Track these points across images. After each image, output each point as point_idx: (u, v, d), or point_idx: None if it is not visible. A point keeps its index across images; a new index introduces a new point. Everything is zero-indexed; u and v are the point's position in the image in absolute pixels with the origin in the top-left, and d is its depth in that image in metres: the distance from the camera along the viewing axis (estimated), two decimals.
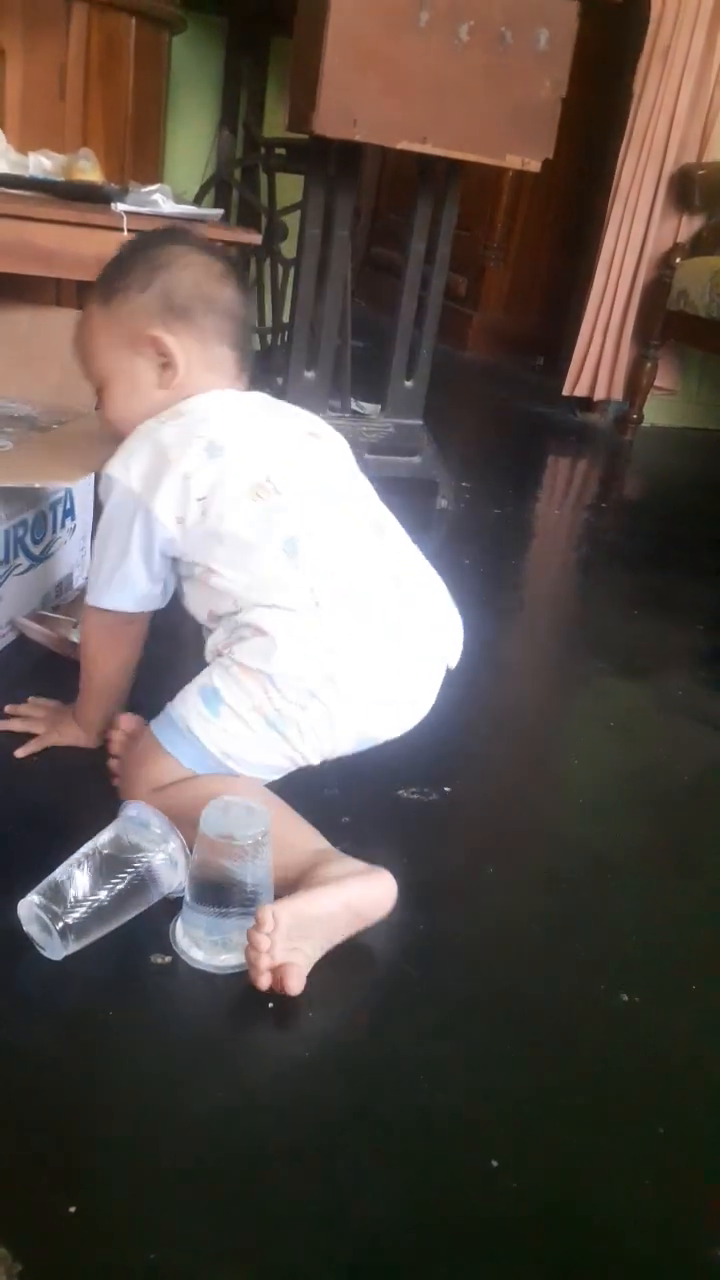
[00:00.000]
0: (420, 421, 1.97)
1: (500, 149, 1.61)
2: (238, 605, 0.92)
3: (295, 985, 0.78)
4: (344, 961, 0.83)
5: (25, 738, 1.05)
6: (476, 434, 2.89)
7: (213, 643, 0.96)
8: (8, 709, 1.09)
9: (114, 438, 1.02)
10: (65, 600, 1.30)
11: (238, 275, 1.05)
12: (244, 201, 2.29)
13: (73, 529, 1.37)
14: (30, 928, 0.79)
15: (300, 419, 1.06)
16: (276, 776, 0.95)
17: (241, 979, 0.80)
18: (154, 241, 1.03)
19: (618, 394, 3.06)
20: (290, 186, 2.22)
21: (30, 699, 1.11)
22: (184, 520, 0.93)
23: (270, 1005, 0.78)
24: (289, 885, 0.84)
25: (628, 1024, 0.84)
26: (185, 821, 0.85)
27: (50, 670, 1.22)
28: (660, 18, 2.68)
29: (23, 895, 0.80)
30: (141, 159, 1.92)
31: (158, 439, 0.95)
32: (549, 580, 1.94)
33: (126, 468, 0.95)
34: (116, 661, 1.03)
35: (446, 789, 1.09)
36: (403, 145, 1.55)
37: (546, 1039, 0.82)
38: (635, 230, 2.93)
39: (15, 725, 1.06)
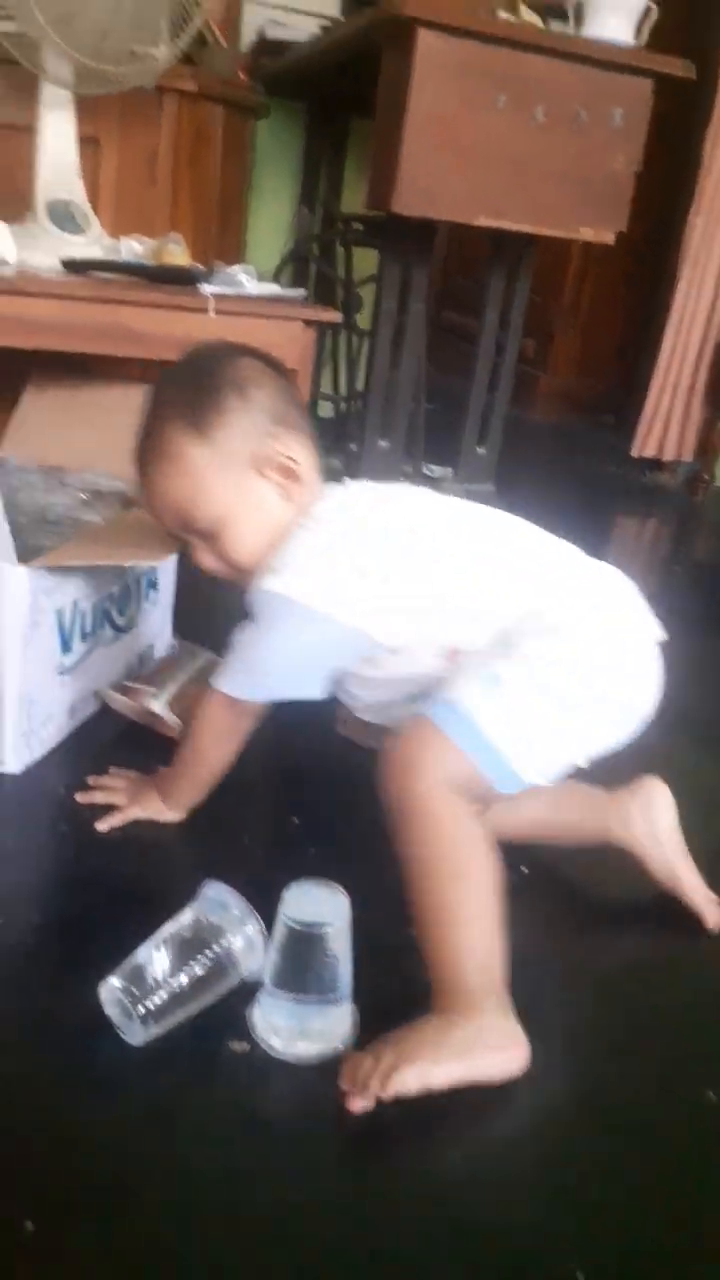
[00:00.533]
0: (492, 487, 1.98)
1: (574, 223, 1.63)
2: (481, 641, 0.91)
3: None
4: None
5: (107, 809, 1.07)
6: (545, 496, 2.86)
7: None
8: (90, 780, 1.11)
9: (234, 579, 0.99)
10: (148, 670, 1.32)
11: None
12: (321, 275, 2.35)
13: (156, 600, 1.40)
14: (111, 1011, 0.80)
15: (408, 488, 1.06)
16: (543, 781, 0.88)
17: (319, 1070, 0.79)
18: (214, 361, 0.99)
19: (688, 454, 3.04)
20: (366, 259, 2.28)
21: (111, 770, 1.13)
22: (386, 616, 0.92)
23: None
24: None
25: (715, 1123, 0.81)
26: (411, 845, 0.83)
27: (132, 740, 1.24)
28: None
29: (102, 973, 0.81)
30: (226, 237, 1.99)
31: (329, 548, 0.92)
32: None
33: (304, 583, 0.91)
34: (228, 749, 1.01)
35: (523, 869, 1.08)
36: (480, 221, 1.59)
37: (629, 1140, 0.79)
38: (705, 292, 2.93)
39: (98, 797, 1.08)
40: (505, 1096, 0.79)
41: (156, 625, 1.44)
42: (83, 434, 1.54)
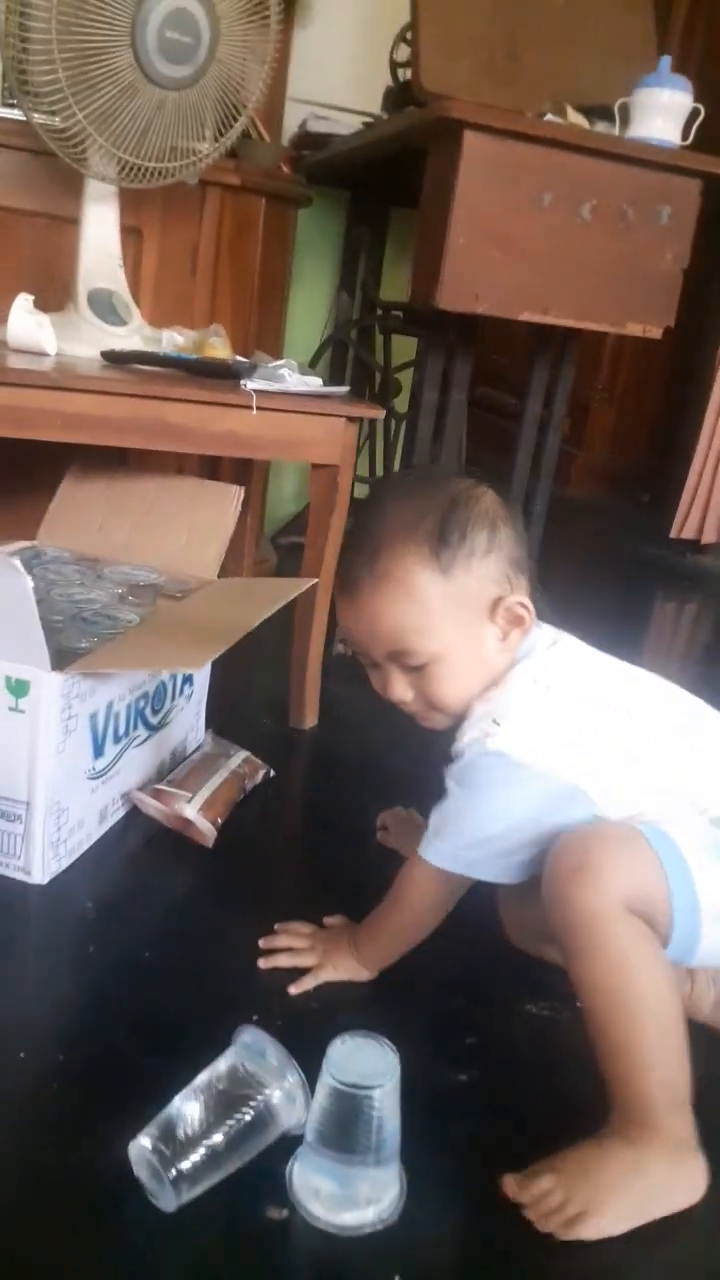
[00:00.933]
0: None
1: (621, 318, 1.62)
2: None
3: None
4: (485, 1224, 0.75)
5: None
6: (583, 576, 2.85)
7: None
8: (266, 941, 1.03)
9: (424, 716, 0.96)
10: (180, 773, 1.28)
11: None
12: (358, 360, 2.35)
13: (190, 695, 1.36)
14: (141, 1172, 0.74)
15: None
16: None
17: (366, 1243, 0.73)
18: (458, 488, 0.92)
19: None
20: (404, 345, 2.28)
21: (289, 926, 1.05)
22: (601, 779, 0.88)
23: None
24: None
25: None
26: (582, 958, 0.81)
27: (163, 847, 1.20)
28: None
29: (130, 1122, 0.75)
30: (265, 325, 1.99)
31: (546, 706, 0.89)
32: None
33: (525, 742, 0.86)
34: (436, 916, 0.96)
35: (579, 1004, 1.01)
36: (524, 317, 1.57)
37: None
38: None
39: (283, 961, 1.00)
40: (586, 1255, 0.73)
41: (189, 721, 1.40)
42: (119, 525, 1.53)
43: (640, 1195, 0.75)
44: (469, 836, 0.88)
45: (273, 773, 1.37)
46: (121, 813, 1.23)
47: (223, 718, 1.45)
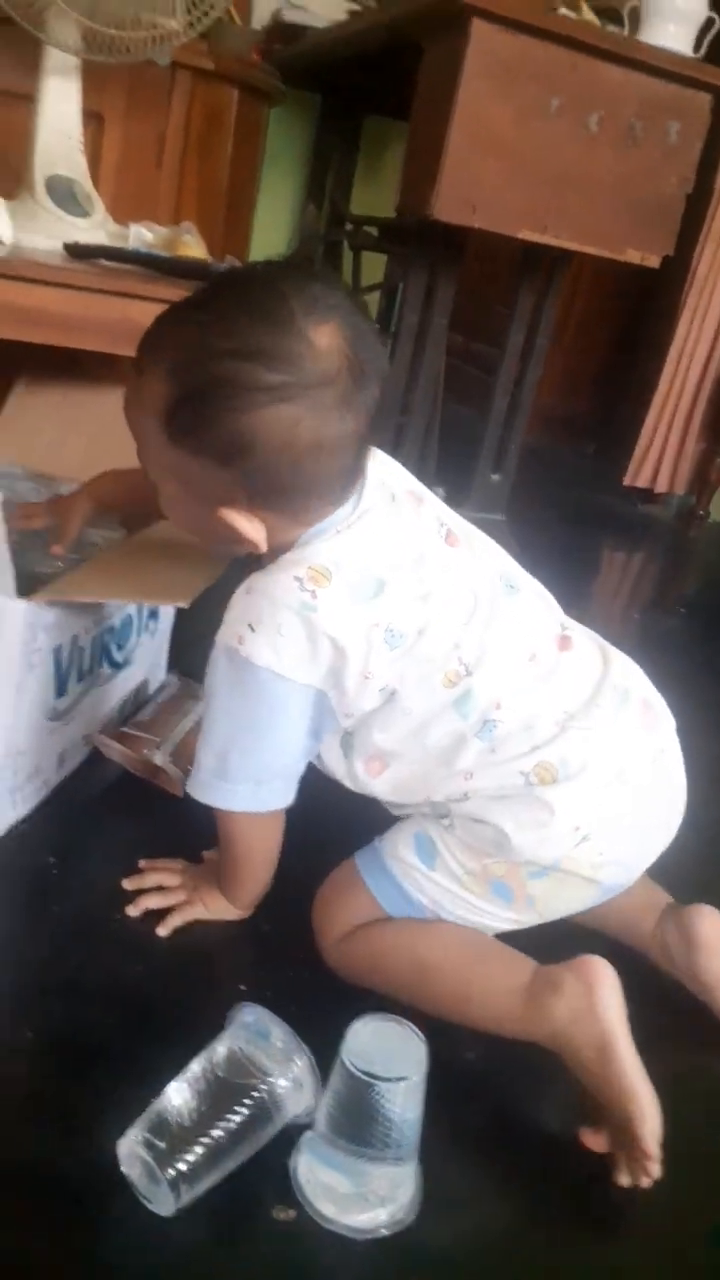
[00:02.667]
0: (503, 517, 1.86)
1: (620, 243, 1.52)
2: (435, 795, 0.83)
3: None
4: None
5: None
6: (538, 525, 2.78)
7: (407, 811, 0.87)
8: (129, 883, 0.93)
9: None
10: (147, 715, 1.17)
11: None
12: None
13: (155, 630, 1.24)
14: (131, 1171, 0.65)
15: (430, 512, 0.85)
16: (495, 931, 0.85)
17: (380, 1245, 0.65)
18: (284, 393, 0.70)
19: (681, 487, 2.96)
20: (371, 265, 2.15)
21: (156, 863, 0.96)
22: (352, 714, 0.80)
23: None
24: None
25: None
26: (378, 971, 0.83)
27: (127, 793, 1.09)
28: None
29: (112, 1110, 0.67)
30: (233, 232, 1.84)
31: (308, 619, 0.75)
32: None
33: (276, 652, 0.76)
34: (271, 846, 0.89)
35: None
36: (523, 234, 1.46)
37: None
38: (709, 323, 2.85)
39: (153, 901, 0.91)
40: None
41: (152, 658, 1.28)
42: (75, 441, 1.39)
43: (628, 1052, 0.73)
44: (248, 766, 0.81)
45: None
46: (81, 758, 1.12)
47: (183, 657, 1.34)
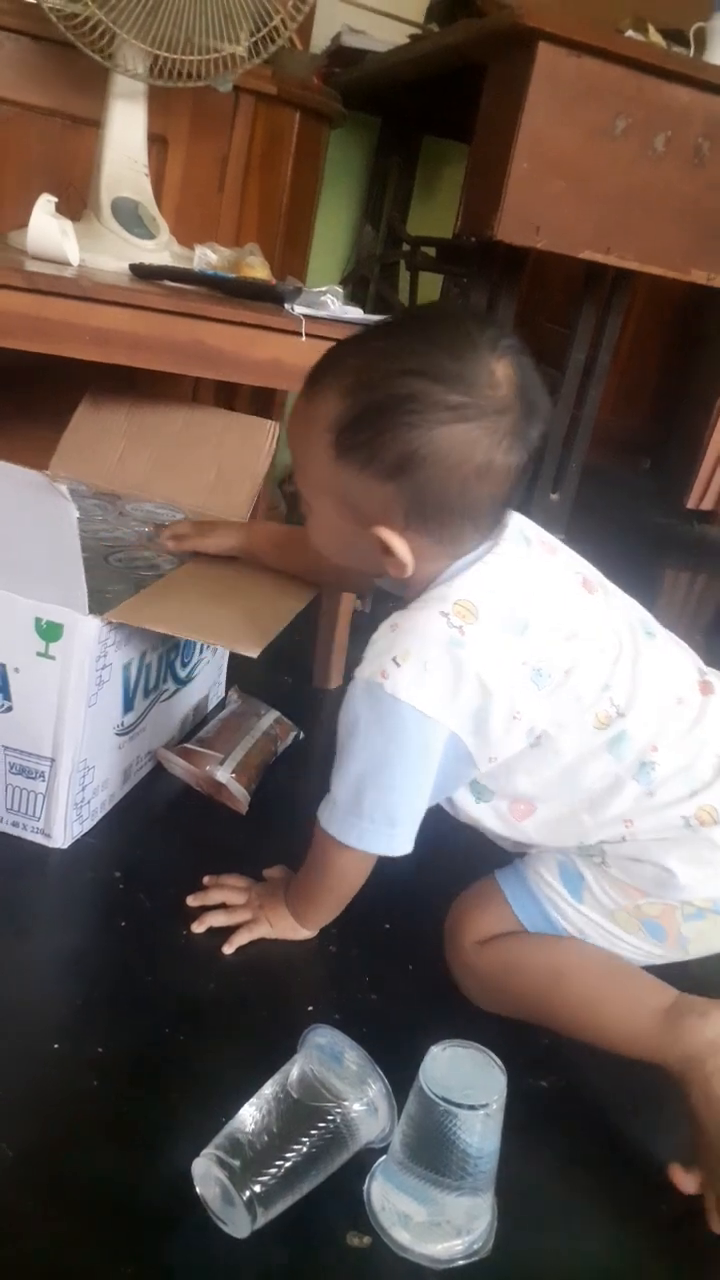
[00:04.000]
0: (563, 536, 1.84)
1: (685, 263, 1.51)
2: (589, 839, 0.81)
3: None
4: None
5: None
6: (598, 544, 2.76)
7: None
8: (193, 900, 0.94)
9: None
10: (210, 731, 1.17)
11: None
12: (380, 297, 2.22)
13: (215, 649, 1.25)
14: (206, 1191, 0.65)
15: (565, 560, 0.85)
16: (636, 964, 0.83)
17: (458, 1276, 0.64)
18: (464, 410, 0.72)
19: None
20: (427, 285, 2.15)
21: (221, 879, 0.96)
22: (495, 757, 0.79)
23: None
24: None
25: None
26: (511, 973, 0.82)
27: (190, 809, 1.10)
28: None
29: (183, 1128, 0.67)
30: (292, 251, 1.85)
31: (456, 655, 0.74)
32: None
33: (421, 688, 0.75)
34: (360, 882, 0.88)
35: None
36: (585, 255, 1.46)
37: None
38: None
39: (219, 919, 0.91)
40: None
41: (212, 676, 1.29)
42: (139, 458, 1.40)
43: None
44: (375, 805, 0.79)
45: (302, 735, 1.27)
46: (145, 772, 1.13)
47: (241, 674, 1.35)
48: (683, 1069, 0.73)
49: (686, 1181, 0.72)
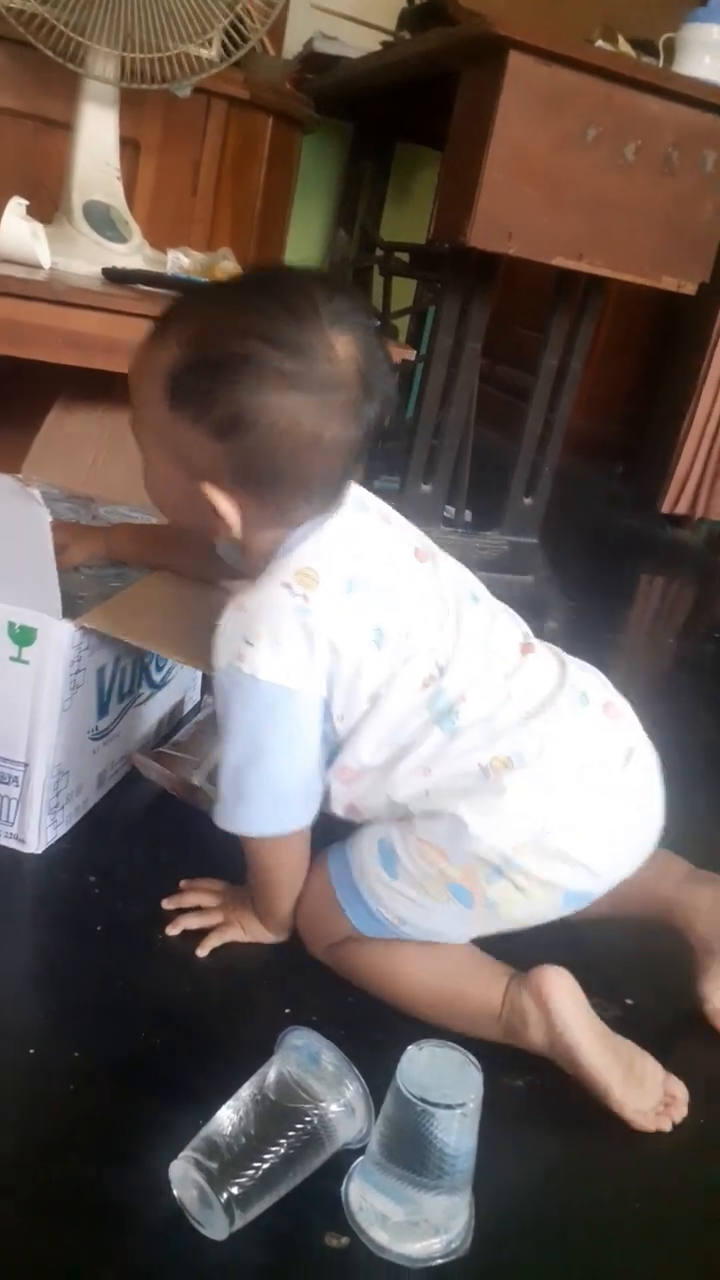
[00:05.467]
0: (536, 540, 1.86)
1: (656, 270, 1.53)
2: (397, 795, 0.82)
3: None
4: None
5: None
6: (570, 548, 2.78)
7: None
8: (170, 903, 0.93)
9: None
10: (185, 735, 1.17)
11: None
12: None
13: None
14: (184, 1194, 0.65)
15: (398, 530, 0.87)
16: (460, 941, 0.85)
17: (436, 1275, 0.64)
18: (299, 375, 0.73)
19: (716, 513, 2.96)
20: (400, 290, 2.17)
21: (196, 883, 0.96)
22: (345, 717, 0.80)
23: None
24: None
25: None
26: (368, 990, 0.85)
27: (164, 813, 1.09)
28: None
29: (159, 1132, 0.67)
30: (266, 256, 1.86)
31: (305, 623, 0.76)
32: (686, 722, 1.80)
33: (278, 663, 0.76)
34: (294, 869, 0.88)
35: (629, 1000, 0.94)
36: (557, 261, 1.47)
37: None
38: None
39: (191, 922, 0.91)
40: None
41: (188, 678, 1.29)
42: (112, 462, 1.40)
43: (593, 1054, 0.79)
44: (266, 791, 0.80)
45: None
46: (120, 776, 1.13)
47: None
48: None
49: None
